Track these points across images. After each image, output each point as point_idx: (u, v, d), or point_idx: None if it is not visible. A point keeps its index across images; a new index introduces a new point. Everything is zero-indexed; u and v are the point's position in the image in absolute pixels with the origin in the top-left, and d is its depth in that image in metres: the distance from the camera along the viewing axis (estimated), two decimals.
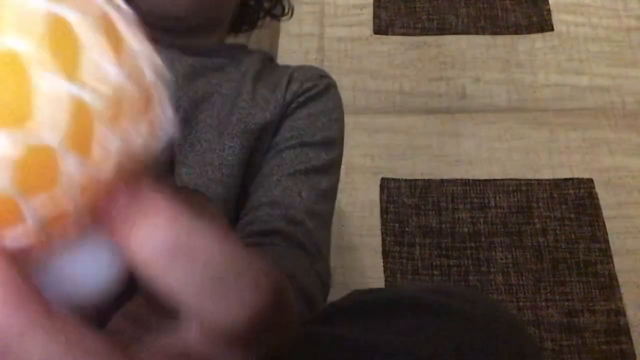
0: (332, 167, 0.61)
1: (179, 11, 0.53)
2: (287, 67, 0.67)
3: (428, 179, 1.07)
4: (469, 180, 1.06)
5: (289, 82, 0.62)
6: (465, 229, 1.01)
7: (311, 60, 1.22)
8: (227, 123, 0.57)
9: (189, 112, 0.56)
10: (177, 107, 0.54)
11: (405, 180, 1.07)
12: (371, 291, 0.32)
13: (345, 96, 1.22)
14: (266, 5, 0.74)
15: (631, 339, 0.89)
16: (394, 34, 1.25)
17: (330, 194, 0.61)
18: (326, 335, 0.29)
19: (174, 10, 0.53)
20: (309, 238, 0.52)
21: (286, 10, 0.77)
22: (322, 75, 0.66)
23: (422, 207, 1.04)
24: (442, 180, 1.07)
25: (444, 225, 1.02)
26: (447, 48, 1.22)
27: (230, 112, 0.58)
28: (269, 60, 0.67)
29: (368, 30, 1.26)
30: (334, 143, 0.63)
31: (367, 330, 0.29)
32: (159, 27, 0.55)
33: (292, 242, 0.51)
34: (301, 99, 0.61)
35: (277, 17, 0.78)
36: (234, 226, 0.55)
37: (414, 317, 0.29)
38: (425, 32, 1.25)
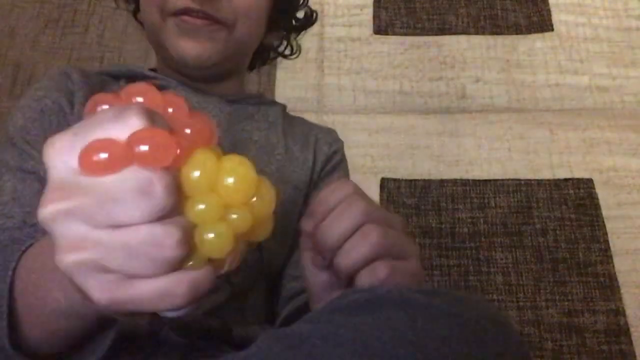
0: None
1: (204, 61, 0.59)
2: (307, 122, 0.73)
3: (428, 179, 1.07)
4: (469, 180, 1.06)
5: (316, 142, 0.69)
6: (465, 229, 1.01)
7: (311, 60, 1.22)
8: (266, 170, 0.62)
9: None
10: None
11: (405, 180, 1.07)
12: (355, 291, 0.34)
13: (345, 96, 1.22)
14: (276, 44, 0.81)
15: (631, 339, 0.90)
16: (394, 34, 1.25)
17: None
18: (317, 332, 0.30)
19: (202, 63, 0.59)
20: None
21: (294, 50, 0.85)
22: (338, 138, 0.73)
23: (422, 207, 1.04)
24: (442, 180, 1.07)
25: (444, 225, 1.02)
26: (447, 48, 1.22)
27: (268, 160, 0.63)
28: (284, 110, 0.73)
29: (368, 30, 1.26)
30: None
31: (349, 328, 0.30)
32: (193, 78, 0.63)
33: None
34: (333, 162, 0.69)
35: (287, 57, 0.84)
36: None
37: (396, 313, 0.30)
38: (425, 32, 1.25)
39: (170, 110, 0.29)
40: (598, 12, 1.25)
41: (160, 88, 0.60)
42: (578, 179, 1.05)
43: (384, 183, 1.06)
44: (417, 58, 1.22)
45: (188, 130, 0.28)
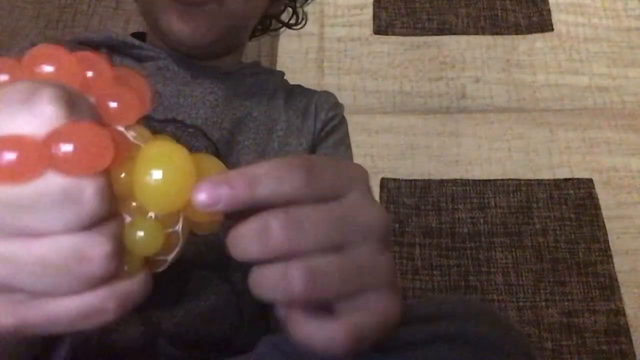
0: None
1: (202, 43, 0.56)
2: (306, 91, 0.70)
3: (428, 179, 1.07)
4: (469, 180, 1.06)
5: (317, 110, 0.65)
6: (465, 229, 1.01)
7: (311, 60, 1.22)
8: (268, 148, 0.59)
9: (230, 134, 0.57)
10: (220, 129, 0.56)
11: (405, 180, 1.07)
12: None
13: (345, 96, 1.22)
14: (278, 12, 0.75)
15: (631, 339, 0.89)
16: (394, 34, 1.25)
17: None
18: None
19: (198, 42, 0.55)
20: None
21: (300, 19, 0.79)
22: (338, 102, 0.70)
23: (422, 207, 1.04)
24: (442, 180, 1.07)
25: (444, 225, 1.02)
26: (447, 48, 1.22)
27: (268, 138, 0.60)
28: (283, 78, 0.70)
29: (368, 30, 1.26)
30: None
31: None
32: (190, 55, 0.59)
33: None
34: (327, 127, 0.65)
35: (291, 26, 0.79)
36: None
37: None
38: (425, 32, 1.25)
39: (89, 74, 0.23)
40: (598, 12, 1.25)
41: (148, 59, 0.58)
42: (578, 179, 1.05)
43: (384, 183, 1.06)
44: (417, 58, 1.22)
45: (114, 104, 0.23)
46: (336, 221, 0.24)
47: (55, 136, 0.20)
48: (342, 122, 0.68)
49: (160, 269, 0.25)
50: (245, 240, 0.23)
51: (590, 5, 1.26)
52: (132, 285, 0.23)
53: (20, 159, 0.19)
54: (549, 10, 1.25)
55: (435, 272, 0.98)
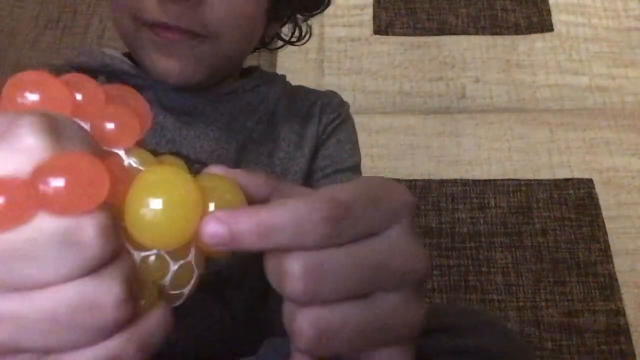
0: None
1: (192, 81, 0.52)
2: (310, 93, 0.67)
3: (428, 179, 1.07)
4: (468, 180, 1.06)
5: (320, 114, 0.63)
6: (465, 229, 1.01)
7: (311, 60, 1.22)
8: (269, 169, 0.57)
9: (235, 164, 0.55)
10: (225, 161, 0.54)
11: (405, 180, 1.07)
12: None
13: (345, 96, 1.21)
14: (278, 30, 0.71)
15: (631, 339, 0.89)
16: (394, 34, 1.25)
17: None
18: None
19: (188, 81, 0.52)
20: None
21: (303, 34, 0.74)
22: (342, 102, 0.68)
23: (422, 207, 1.04)
24: (442, 180, 1.07)
25: (444, 225, 1.02)
26: (447, 48, 1.22)
27: (269, 159, 0.58)
28: (284, 84, 0.67)
29: (368, 30, 1.26)
30: (359, 166, 0.65)
31: None
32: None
33: None
34: (329, 129, 0.63)
35: (293, 43, 0.75)
36: None
37: None
38: (425, 32, 1.25)
39: (80, 97, 0.21)
40: (598, 12, 1.25)
41: (145, 88, 0.55)
42: (578, 179, 1.05)
43: None
44: (417, 58, 1.22)
45: (111, 125, 0.21)
46: (366, 268, 0.22)
47: (41, 172, 0.17)
48: (346, 120, 0.66)
49: (177, 303, 0.23)
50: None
51: (590, 5, 1.26)
52: (151, 325, 0.21)
53: (4, 203, 0.17)
54: (549, 11, 1.25)
55: (435, 272, 0.98)
